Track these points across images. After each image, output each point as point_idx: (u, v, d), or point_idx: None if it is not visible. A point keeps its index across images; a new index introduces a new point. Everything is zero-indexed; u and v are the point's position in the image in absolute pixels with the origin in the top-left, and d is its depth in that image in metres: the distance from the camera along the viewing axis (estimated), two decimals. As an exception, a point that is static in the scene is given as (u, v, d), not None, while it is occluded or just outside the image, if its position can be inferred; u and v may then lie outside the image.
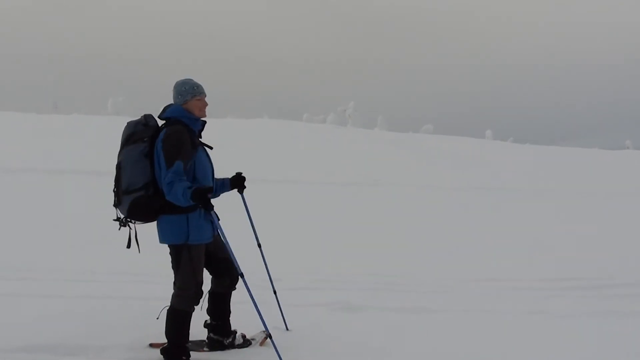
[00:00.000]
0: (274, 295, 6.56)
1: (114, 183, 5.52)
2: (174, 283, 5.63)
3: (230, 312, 6.13)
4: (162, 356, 5.59)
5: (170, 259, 5.64)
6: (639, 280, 9.82)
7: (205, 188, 5.34)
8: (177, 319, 5.59)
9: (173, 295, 5.62)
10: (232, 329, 6.16)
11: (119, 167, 5.45)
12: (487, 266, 11.17)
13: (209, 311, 6.12)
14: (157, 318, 5.82)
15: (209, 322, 6.13)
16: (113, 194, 5.53)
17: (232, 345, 6.06)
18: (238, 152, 26.14)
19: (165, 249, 5.68)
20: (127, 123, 5.61)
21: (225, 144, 28.15)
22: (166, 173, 5.26)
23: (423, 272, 10.62)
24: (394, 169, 27.90)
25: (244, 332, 6.22)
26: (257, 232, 6.37)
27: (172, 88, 5.75)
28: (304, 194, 20.23)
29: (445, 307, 8.19)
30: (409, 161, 30.88)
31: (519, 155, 38.75)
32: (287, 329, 6.58)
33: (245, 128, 35.73)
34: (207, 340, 6.09)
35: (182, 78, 5.78)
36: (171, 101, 5.75)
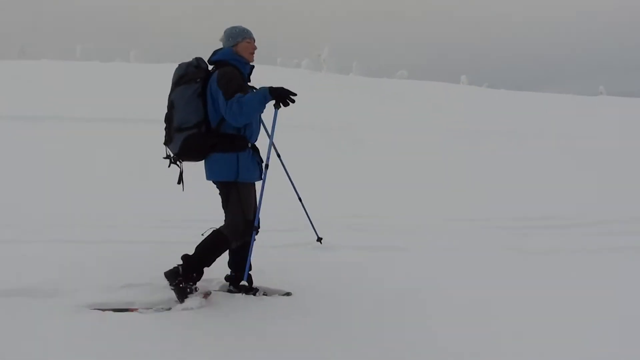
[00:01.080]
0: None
1: (164, 121, 5.68)
2: (225, 219, 5.73)
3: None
4: (180, 270, 5.58)
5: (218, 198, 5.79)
6: (615, 218, 9.93)
7: (280, 88, 5.44)
8: (216, 242, 5.66)
9: (225, 226, 5.68)
10: (254, 285, 6.06)
11: (171, 105, 5.60)
12: (462, 206, 11.27)
13: (230, 263, 6.13)
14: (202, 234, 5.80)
15: (229, 274, 6.15)
16: (164, 132, 5.68)
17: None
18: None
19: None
20: (179, 65, 5.70)
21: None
22: (227, 104, 5.33)
23: (398, 213, 10.71)
24: (368, 114, 27.80)
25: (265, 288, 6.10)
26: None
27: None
28: (278, 139, 20.11)
29: (419, 246, 8.31)
30: (383, 106, 30.79)
31: (493, 100, 38.82)
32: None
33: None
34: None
35: (234, 25, 5.95)
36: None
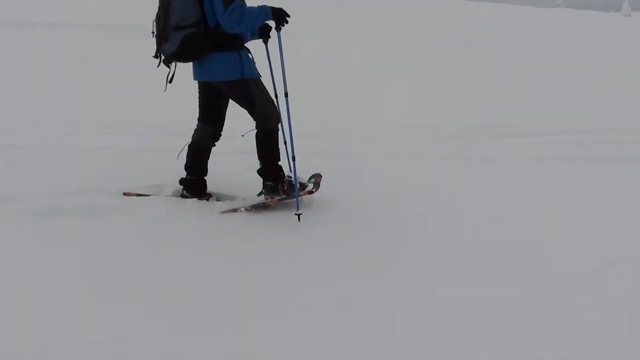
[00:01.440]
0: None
1: (157, 21, 5.59)
2: (253, 113, 5.75)
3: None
4: (260, 177, 5.89)
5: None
6: (557, 129, 10.08)
7: (280, 9, 5.42)
8: (268, 139, 5.81)
9: (258, 122, 5.77)
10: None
11: (167, 4, 5.43)
12: (411, 115, 11.32)
13: (186, 166, 6.12)
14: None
15: (185, 177, 6.13)
16: (159, 32, 5.58)
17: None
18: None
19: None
20: None
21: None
22: (224, 10, 5.19)
23: (351, 120, 10.72)
24: (319, 21, 27.46)
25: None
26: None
27: None
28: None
29: (371, 152, 8.40)
30: (334, 14, 30.47)
31: (448, 10, 38.73)
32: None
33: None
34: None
35: None
36: None
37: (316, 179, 6.17)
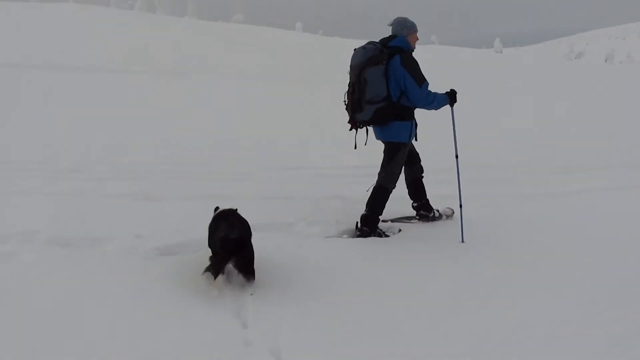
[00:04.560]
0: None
1: (351, 95, 7.23)
2: (384, 169, 7.46)
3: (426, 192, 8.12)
4: (363, 227, 7.38)
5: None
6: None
7: (453, 91, 7.38)
8: (382, 194, 7.44)
9: (382, 177, 7.45)
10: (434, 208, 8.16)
11: (364, 82, 7.02)
12: (291, 154, 11.31)
13: (411, 195, 8.12)
14: (367, 190, 7.62)
15: (415, 204, 8.11)
16: (352, 103, 7.23)
17: (434, 218, 8.14)
18: (41, 36, 24.91)
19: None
20: (364, 48, 7.18)
21: (26, 28, 26.85)
22: (419, 90, 7.03)
23: (222, 159, 10.65)
24: (203, 57, 27.30)
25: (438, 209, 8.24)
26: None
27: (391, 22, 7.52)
28: (109, 82, 19.37)
29: (245, 194, 8.61)
30: (218, 50, 30.36)
31: (326, 47, 39.15)
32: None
33: (49, 12, 33.81)
34: (417, 217, 8.15)
35: (402, 17, 7.54)
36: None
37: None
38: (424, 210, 8.09)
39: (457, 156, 7.57)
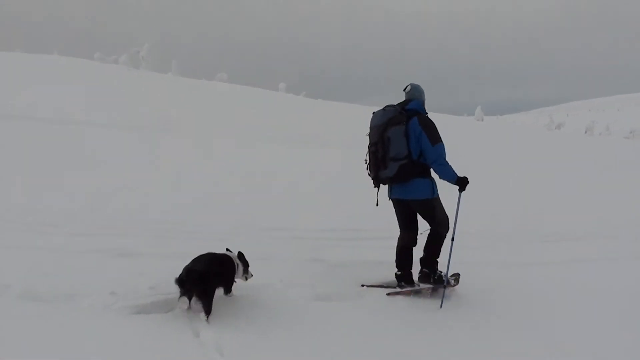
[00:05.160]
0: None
1: (374, 154, 7.76)
2: (433, 221, 7.88)
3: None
4: (424, 268, 7.97)
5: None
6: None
7: (465, 178, 7.70)
8: (438, 239, 7.93)
9: (437, 227, 7.88)
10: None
11: (388, 140, 7.59)
12: (274, 215, 11.26)
13: (397, 263, 8.15)
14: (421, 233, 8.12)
15: (397, 272, 8.11)
16: (375, 161, 7.77)
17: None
18: (26, 88, 24.89)
19: None
20: (384, 110, 7.82)
21: (13, 81, 26.85)
22: (432, 148, 7.52)
23: (205, 218, 10.60)
24: (187, 115, 27.32)
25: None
26: None
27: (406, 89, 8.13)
28: (92, 136, 19.27)
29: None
30: (202, 108, 30.41)
31: (308, 109, 39.38)
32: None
33: (33, 64, 33.90)
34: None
35: (415, 83, 8.15)
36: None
37: (456, 277, 8.28)
38: (405, 281, 8.06)
39: (452, 238, 7.88)
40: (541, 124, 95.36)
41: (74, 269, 7.36)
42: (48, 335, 5.42)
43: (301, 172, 17.27)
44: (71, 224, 9.52)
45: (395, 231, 9.11)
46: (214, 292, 6.40)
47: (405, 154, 7.56)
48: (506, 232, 11.96)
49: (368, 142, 7.93)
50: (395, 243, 8.18)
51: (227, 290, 6.93)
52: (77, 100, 25.04)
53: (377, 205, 8.20)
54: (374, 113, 7.95)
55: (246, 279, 7.21)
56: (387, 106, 7.88)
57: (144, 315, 6.07)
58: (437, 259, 7.97)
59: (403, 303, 7.52)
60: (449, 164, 7.62)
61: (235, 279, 7.05)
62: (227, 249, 7.16)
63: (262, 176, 16.09)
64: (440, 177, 7.75)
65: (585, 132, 77.54)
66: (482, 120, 64.53)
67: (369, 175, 8.03)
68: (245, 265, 7.22)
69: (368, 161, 7.96)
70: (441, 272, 7.97)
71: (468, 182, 7.73)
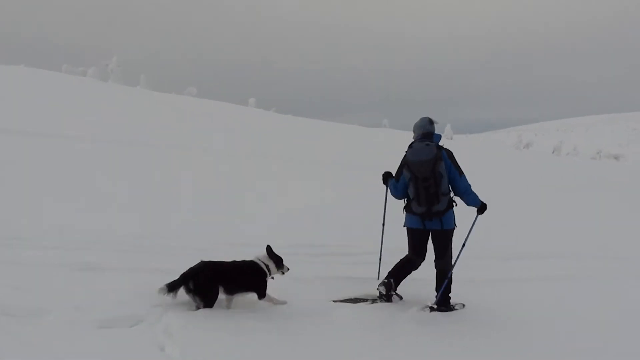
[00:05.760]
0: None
1: (426, 190, 8.01)
2: (443, 255, 8.31)
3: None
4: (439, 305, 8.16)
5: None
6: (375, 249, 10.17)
7: (485, 204, 8.31)
8: (444, 276, 8.27)
9: (442, 264, 8.32)
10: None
11: (440, 175, 7.96)
12: (239, 231, 11.26)
13: (391, 271, 8.41)
14: (378, 278, 9.14)
15: (385, 279, 8.31)
16: (428, 196, 8.03)
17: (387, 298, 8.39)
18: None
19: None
20: (428, 145, 8.07)
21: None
22: (461, 179, 8.11)
23: (171, 233, 10.53)
24: (153, 129, 27.17)
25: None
26: None
27: (420, 122, 8.49)
28: (60, 149, 19.08)
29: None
30: (169, 122, 30.29)
31: (278, 124, 39.38)
32: None
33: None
34: (377, 298, 8.41)
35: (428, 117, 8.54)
36: None
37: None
38: (386, 289, 8.25)
39: (464, 244, 8.52)
40: (510, 143, 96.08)
41: (38, 283, 7.26)
42: (12, 350, 5.34)
43: (272, 188, 17.25)
44: (39, 238, 9.40)
45: (362, 247, 9.16)
46: (216, 296, 6.95)
47: (449, 189, 8.14)
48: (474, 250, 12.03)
49: (410, 177, 8.14)
50: (364, 259, 8.98)
51: (260, 295, 7.38)
52: (44, 112, 24.84)
53: (413, 236, 8.47)
54: (415, 146, 8.21)
55: (283, 273, 7.73)
56: (424, 141, 8.20)
57: (108, 330, 6.01)
58: (450, 294, 8.38)
59: (373, 318, 7.60)
60: (475, 194, 8.22)
61: (272, 277, 7.57)
62: (268, 248, 7.73)
63: (235, 193, 16.05)
64: (467, 205, 8.34)
65: (553, 151, 78.13)
66: (452, 138, 64.96)
67: (413, 209, 8.26)
68: (278, 261, 7.66)
69: (415, 195, 8.15)
70: (452, 305, 8.37)
71: (487, 207, 8.33)
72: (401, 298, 8.43)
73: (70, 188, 13.48)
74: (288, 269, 7.75)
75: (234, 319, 6.73)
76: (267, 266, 7.48)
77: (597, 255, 13.59)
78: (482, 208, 8.30)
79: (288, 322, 6.97)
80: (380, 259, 9.41)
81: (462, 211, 8.44)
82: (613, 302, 9.70)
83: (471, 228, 8.56)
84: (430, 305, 8.13)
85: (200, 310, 6.79)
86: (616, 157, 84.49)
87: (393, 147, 35.29)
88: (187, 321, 6.35)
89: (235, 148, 25.64)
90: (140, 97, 38.69)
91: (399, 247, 8.82)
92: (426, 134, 8.33)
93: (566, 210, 21.29)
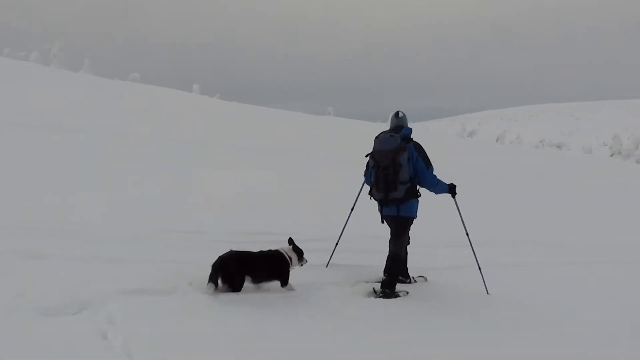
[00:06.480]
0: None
1: (385, 177, 8.46)
2: (396, 240, 8.79)
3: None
4: (384, 288, 8.41)
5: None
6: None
7: (453, 184, 8.90)
8: (397, 261, 8.74)
9: (394, 247, 8.76)
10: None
11: (400, 165, 8.40)
12: (179, 218, 11.23)
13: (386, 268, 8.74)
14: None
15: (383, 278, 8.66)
16: (386, 183, 8.48)
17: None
18: None
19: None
20: (392, 136, 8.59)
21: None
22: (428, 172, 8.58)
23: (116, 222, 10.47)
24: (93, 115, 26.81)
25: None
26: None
27: (391, 117, 9.12)
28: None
29: (134, 257, 8.44)
30: (111, 108, 29.94)
31: (222, 111, 39.23)
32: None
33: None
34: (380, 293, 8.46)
35: (402, 111, 9.13)
36: None
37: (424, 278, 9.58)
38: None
39: (467, 234, 9.27)
40: (453, 132, 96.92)
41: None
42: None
43: (219, 178, 17.15)
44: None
45: (307, 233, 9.24)
46: (242, 282, 7.59)
47: (409, 177, 8.51)
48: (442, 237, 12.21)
49: (373, 164, 8.72)
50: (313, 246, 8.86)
51: (283, 283, 8.01)
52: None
53: (383, 222, 8.97)
54: (380, 137, 8.75)
55: (301, 265, 8.30)
56: (390, 132, 8.79)
57: (50, 317, 5.96)
58: (400, 278, 8.93)
59: (353, 310, 7.70)
60: (440, 179, 8.73)
61: (293, 267, 8.13)
62: (291, 240, 8.30)
63: (181, 180, 16.03)
64: (436, 194, 8.90)
65: (497, 140, 79.15)
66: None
67: (373, 195, 8.84)
68: (299, 254, 8.26)
69: (375, 182, 8.70)
70: (398, 292, 8.61)
71: (456, 186, 8.93)
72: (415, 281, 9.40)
73: (6, 175, 13.31)
74: (306, 261, 8.37)
75: (179, 309, 6.69)
76: (290, 258, 8.09)
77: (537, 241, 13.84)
78: (452, 190, 8.87)
79: (234, 309, 6.95)
80: (336, 244, 9.90)
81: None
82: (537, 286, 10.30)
83: (460, 214, 9.25)
84: (375, 290, 8.48)
85: (146, 299, 6.75)
86: (558, 146, 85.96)
87: (338, 135, 35.43)
88: (131, 310, 6.32)
89: (167, 134, 25.34)
90: (78, 82, 38.06)
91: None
92: (396, 127, 8.90)
93: (504, 197, 21.64)
